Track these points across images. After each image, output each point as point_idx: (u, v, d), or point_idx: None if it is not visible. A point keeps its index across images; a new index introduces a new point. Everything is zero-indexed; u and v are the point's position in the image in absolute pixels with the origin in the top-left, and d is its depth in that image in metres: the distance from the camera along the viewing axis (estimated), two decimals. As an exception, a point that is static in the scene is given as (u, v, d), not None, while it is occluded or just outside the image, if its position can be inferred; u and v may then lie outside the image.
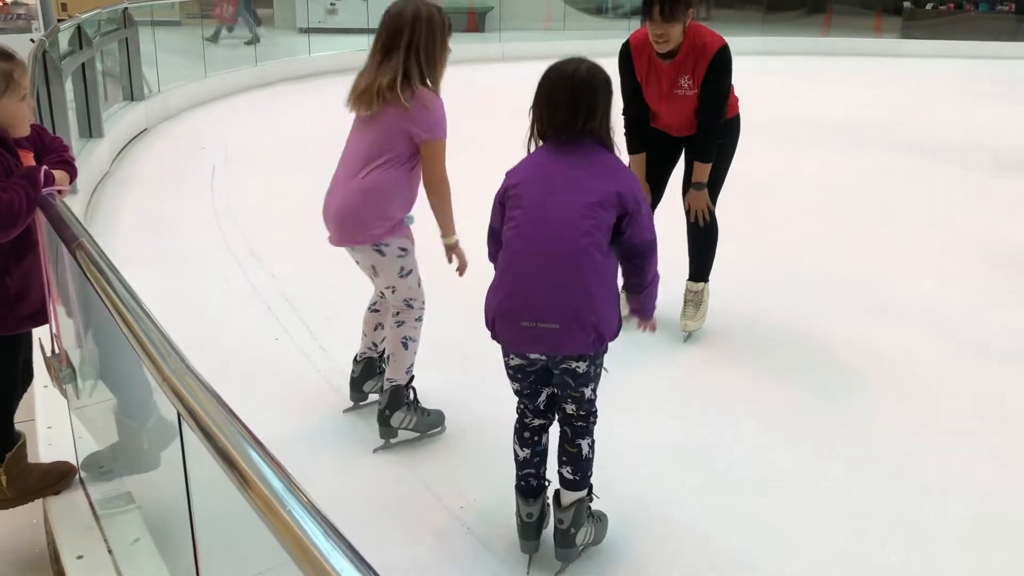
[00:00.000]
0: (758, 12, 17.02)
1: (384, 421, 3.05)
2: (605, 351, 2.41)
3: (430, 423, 3.13)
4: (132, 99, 8.44)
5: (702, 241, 4.00)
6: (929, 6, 17.79)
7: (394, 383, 3.04)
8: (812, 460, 3.10)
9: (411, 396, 3.08)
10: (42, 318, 2.41)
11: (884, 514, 2.80)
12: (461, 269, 3.04)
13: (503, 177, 2.44)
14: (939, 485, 2.97)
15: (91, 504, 2.50)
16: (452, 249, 3.00)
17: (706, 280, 4.07)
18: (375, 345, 3.27)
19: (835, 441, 3.22)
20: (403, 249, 2.93)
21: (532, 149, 2.43)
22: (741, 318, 4.24)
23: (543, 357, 2.34)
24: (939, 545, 2.66)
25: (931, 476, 3.02)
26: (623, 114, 3.79)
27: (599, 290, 2.28)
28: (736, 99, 3.83)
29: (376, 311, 3.25)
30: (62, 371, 2.35)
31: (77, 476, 2.58)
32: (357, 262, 3.04)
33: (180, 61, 10.37)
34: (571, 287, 2.25)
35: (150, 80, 8.93)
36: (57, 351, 2.41)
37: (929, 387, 3.63)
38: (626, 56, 3.77)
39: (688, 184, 3.84)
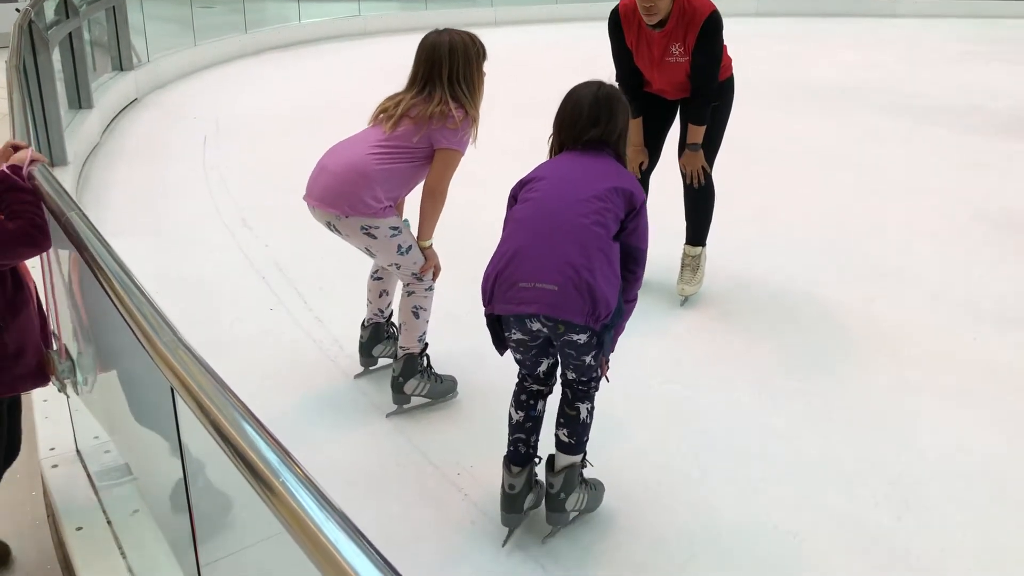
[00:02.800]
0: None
1: (398, 388, 3.07)
2: (612, 331, 2.38)
3: (443, 390, 3.16)
4: (121, 69, 8.36)
5: (699, 205, 3.99)
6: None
7: (407, 351, 3.07)
8: (807, 423, 3.12)
9: (425, 363, 3.12)
10: (42, 379, 2.30)
11: (878, 476, 2.82)
12: (428, 270, 3.04)
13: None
14: (933, 447, 2.99)
15: (89, 477, 2.51)
16: (427, 251, 3.03)
17: (703, 244, 4.07)
18: (381, 311, 3.30)
19: (830, 404, 3.23)
20: (394, 228, 2.92)
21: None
22: (737, 282, 4.25)
23: (544, 329, 2.32)
24: (933, 506, 2.69)
25: (925, 438, 3.04)
26: (616, 80, 3.76)
27: (600, 264, 2.28)
28: (730, 60, 3.80)
29: (379, 279, 3.27)
30: (61, 364, 2.30)
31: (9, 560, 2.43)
32: (347, 237, 2.96)
33: (169, 29, 10.26)
34: (572, 253, 2.26)
35: (139, 49, 8.84)
36: (56, 346, 2.37)
37: (924, 350, 3.65)
38: (615, 23, 3.74)
39: (683, 146, 3.82)
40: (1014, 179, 6.08)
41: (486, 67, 2.99)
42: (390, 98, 2.95)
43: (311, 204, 2.94)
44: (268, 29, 11.97)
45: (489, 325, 2.43)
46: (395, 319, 3.25)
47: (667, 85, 3.76)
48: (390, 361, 3.33)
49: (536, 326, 2.32)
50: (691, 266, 4.04)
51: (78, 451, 2.62)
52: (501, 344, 2.46)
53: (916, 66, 10.48)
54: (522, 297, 2.27)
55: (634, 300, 2.55)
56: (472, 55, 2.89)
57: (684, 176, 3.90)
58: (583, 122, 2.45)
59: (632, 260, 2.45)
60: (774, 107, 7.95)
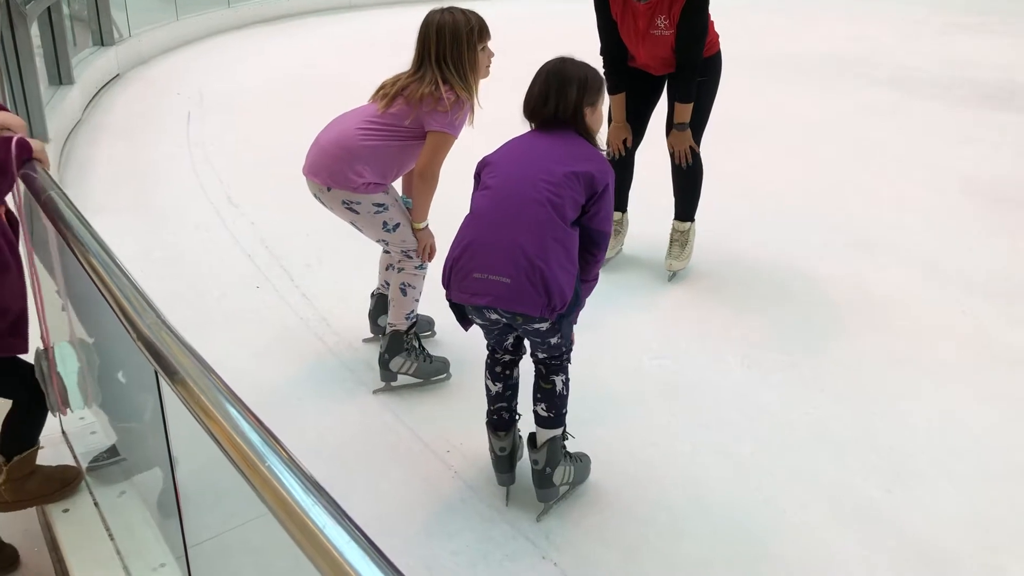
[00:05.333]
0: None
1: (384, 364, 3.07)
2: (571, 321, 2.39)
3: (432, 370, 3.13)
4: (102, 44, 8.24)
5: (687, 180, 3.97)
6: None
7: (394, 327, 3.06)
8: (796, 397, 3.12)
9: (414, 343, 3.09)
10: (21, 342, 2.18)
11: (867, 449, 2.83)
12: (424, 252, 3.01)
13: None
14: (922, 420, 3.00)
15: (75, 458, 2.49)
16: (419, 232, 2.99)
17: (692, 220, 4.05)
18: (387, 284, 3.29)
19: (819, 377, 3.24)
20: (378, 205, 2.89)
21: None
22: (726, 257, 4.23)
23: (502, 319, 2.32)
24: (921, 479, 2.70)
25: (914, 411, 3.04)
26: (600, 54, 3.72)
27: (556, 254, 2.24)
28: (716, 36, 3.76)
29: (387, 252, 3.26)
30: (46, 374, 2.24)
31: (83, 482, 2.42)
32: (332, 210, 2.97)
33: (151, 3, 10.11)
34: (527, 245, 2.22)
35: (120, 24, 8.71)
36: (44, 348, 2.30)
37: (913, 323, 3.65)
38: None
39: (671, 125, 3.79)
40: (1003, 152, 6.08)
41: (491, 46, 2.90)
42: (393, 76, 2.91)
43: (303, 174, 2.96)
44: (253, 3, 11.79)
45: (451, 307, 2.42)
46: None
47: (652, 59, 3.72)
48: None
49: (494, 316, 2.32)
50: (679, 241, 4.02)
51: (64, 432, 2.60)
52: (465, 322, 2.46)
53: (903, 39, 10.44)
54: (476, 288, 2.27)
55: (594, 280, 2.52)
56: (463, 36, 2.78)
57: (672, 156, 3.87)
58: (533, 100, 2.41)
59: (593, 243, 2.41)
60: (761, 81, 7.90)
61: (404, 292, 3.03)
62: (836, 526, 2.50)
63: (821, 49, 9.55)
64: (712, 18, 3.66)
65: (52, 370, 2.14)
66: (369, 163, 2.83)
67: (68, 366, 2.28)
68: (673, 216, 4.05)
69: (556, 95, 2.38)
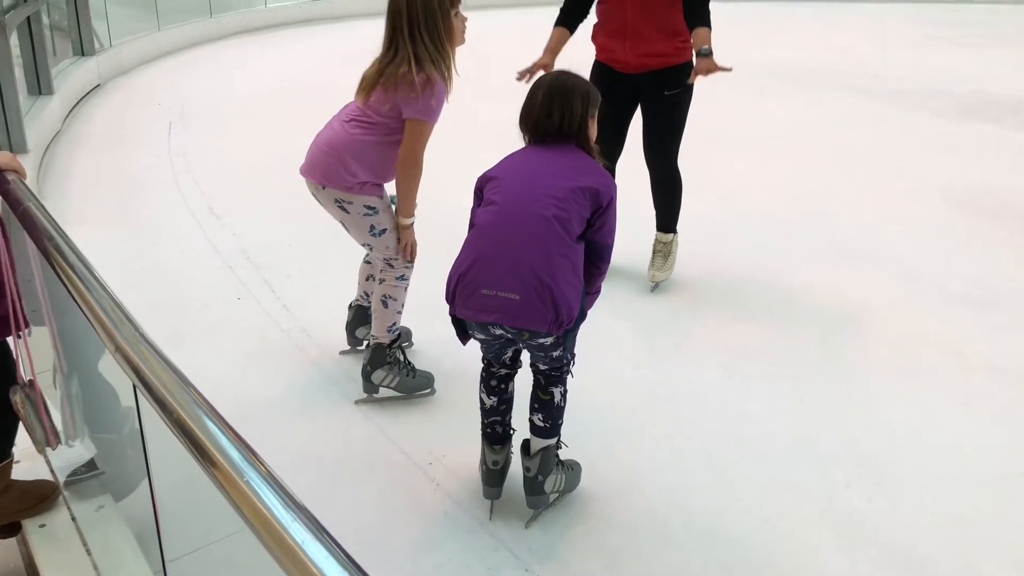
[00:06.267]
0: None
1: (366, 376, 3.04)
2: (574, 334, 2.40)
3: (415, 385, 3.10)
4: (83, 54, 8.20)
5: (666, 191, 3.98)
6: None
7: (376, 340, 3.03)
8: (778, 406, 3.13)
9: (398, 356, 3.06)
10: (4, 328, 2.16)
11: (850, 458, 2.85)
12: (407, 252, 2.98)
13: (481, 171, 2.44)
14: (903, 428, 3.01)
15: (52, 472, 2.46)
16: (404, 230, 2.94)
17: (674, 231, 4.07)
18: (366, 295, 3.28)
19: (801, 386, 3.25)
20: (369, 208, 2.88)
21: None
22: (708, 267, 4.25)
23: (507, 334, 2.31)
24: (904, 487, 2.71)
25: (896, 419, 3.06)
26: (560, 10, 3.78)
27: (563, 271, 2.25)
28: (691, 46, 3.77)
29: (368, 263, 3.25)
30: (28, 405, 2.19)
31: (61, 497, 2.37)
32: (326, 209, 2.99)
33: (132, 13, 10.06)
34: (535, 262, 2.22)
35: (101, 33, 8.66)
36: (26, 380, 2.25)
37: (894, 331, 3.68)
38: None
39: (648, 136, 3.79)
40: (980, 161, 6.15)
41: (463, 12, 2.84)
42: (371, 64, 2.84)
43: (301, 173, 2.96)
44: (234, 14, 11.77)
45: (453, 322, 2.41)
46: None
47: (638, 17, 3.63)
48: None
49: (498, 331, 2.31)
50: (662, 252, 4.04)
51: (46, 458, 2.56)
52: (465, 336, 2.44)
53: (881, 50, 10.55)
54: (483, 304, 2.26)
55: (596, 292, 2.54)
56: (434, 4, 2.71)
57: (653, 163, 3.87)
58: (537, 113, 2.39)
59: (597, 256, 2.42)
60: (741, 91, 7.95)
61: (385, 304, 3.02)
62: (818, 534, 2.51)
63: (799, 60, 9.64)
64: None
65: (39, 404, 2.11)
66: (359, 159, 2.81)
67: (56, 399, 2.26)
68: (655, 227, 4.06)
69: (560, 108, 2.37)
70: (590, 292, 2.48)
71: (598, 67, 3.80)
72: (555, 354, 2.40)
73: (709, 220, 4.73)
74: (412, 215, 2.93)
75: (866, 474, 2.77)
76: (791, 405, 3.14)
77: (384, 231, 2.93)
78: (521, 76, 3.60)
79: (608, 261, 2.48)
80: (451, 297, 2.33)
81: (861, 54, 10.22)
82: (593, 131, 2.45)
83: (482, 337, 2.39)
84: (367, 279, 3.26)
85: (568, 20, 3.80)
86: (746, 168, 5.89)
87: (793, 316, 3.80)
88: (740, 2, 14.28)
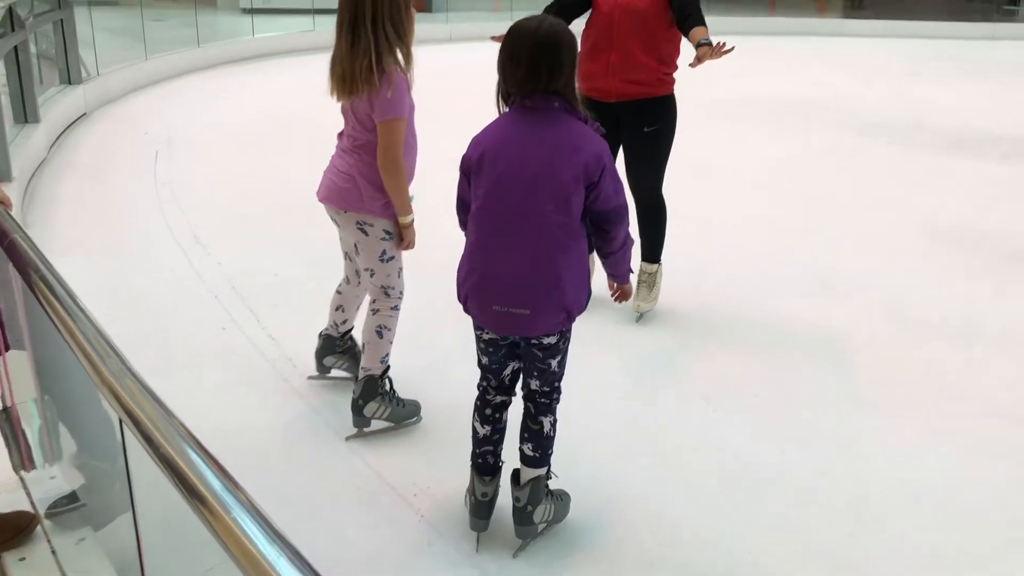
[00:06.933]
0: (704, -9, 17.11)
1: (357, 411, 3.02)
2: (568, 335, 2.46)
3: (405, 414, 3.10)
4: (69, 82, 8.21)
5: (650, 222, 4.01)
6: (870, -15, 18.10)
7: (368, 372, 3.01)
8: (760, 438, 3.14)
9: (387, 386, 3.06)
10: None
11: (831, 491, 2.85)
12: (405, 245, 2.98)
13: (467, 143, 2.40)
14: (883, 460, 3.03)
15: (32, 503, 2.44)
16: (406, 228, 2.93)
17: (658, 261, 4.09)
18: (335, 325, 3.28)
19: (784, 419, 3.27)
20: (387, 232, 2.90)
21: (501, 110, 2.37)
22: (692, 298, 4.28)
23: (517, 338, 2.41)
24: (885, 521, 2.72)
25: (875, 452, 3.08)
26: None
27: (568, 271, 2.30)
28: (673, 80, 3.82)
29: (339, 293, 3.25)
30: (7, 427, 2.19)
31: (41, 529, 2.34)
32: (341, 238, 3.08)
33: (119, 42, 10.10)
34: (541, 274, 2.28)
35: (88, 62, 8.68)
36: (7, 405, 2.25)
37: (876, 364, 3.70)
38: None
39: (632, 162, 3.82)
40: (961, 196, 6.23)
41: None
42: (334, 58, 2.79)
43: (320, 200, 3.00)
44: (221, 43, 11.84)
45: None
46: (358, 338, 3.21)
47: (623, 16, 3.65)
48: (344, 374, 3.33)
49: (509, 337, 2.42)
50: (647, 283, 4.06)
51: (21, 477, 2.54)
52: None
53: (865, 84, 10.71)
54: (497, 321, 2.35)
55: (622, 249, 2.45)
56: None
57: (636, 192, 3.90)
58: (522, 72, 2.25)
59: (605, 222, 2.35)
60: (726, 124, 8.06)
61: (380, 334, 3.02)
62: (800, 567, 2.51)
63: (783, 93, 9.76)
64: (681, 65, 3.72)
65: (17, 428, 2.09)
66: (373, 181, 2.83)
67: (32, 424, 2.24)
68: (640, 258, 4.09)
69: (548, 64, 2.23)
70: (613, 252, 2.44)
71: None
72: (552, 364, 2.44)
73: (693, 251, 4.77)
74: (410, 211, 2.91)
75: (848, 508, 2.77)
76: (773, 437, 3.15)
77: (392, 259, 2.95)
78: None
79: (617, 223, 2.38)
80: (462, 299, 2.42)
81: (843, 88, 10.37)
82: (575, 82, 2.33)
83: (489, 337, 2.44)
84: (336, 309, 3.26)
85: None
86: (729, 200, 5.95)
87: (776, 348, 3.82)
88: (727, 36, 14.48)
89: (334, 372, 3.36)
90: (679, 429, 3.20)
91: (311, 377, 3.41)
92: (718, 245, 5.05)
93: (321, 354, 3.34)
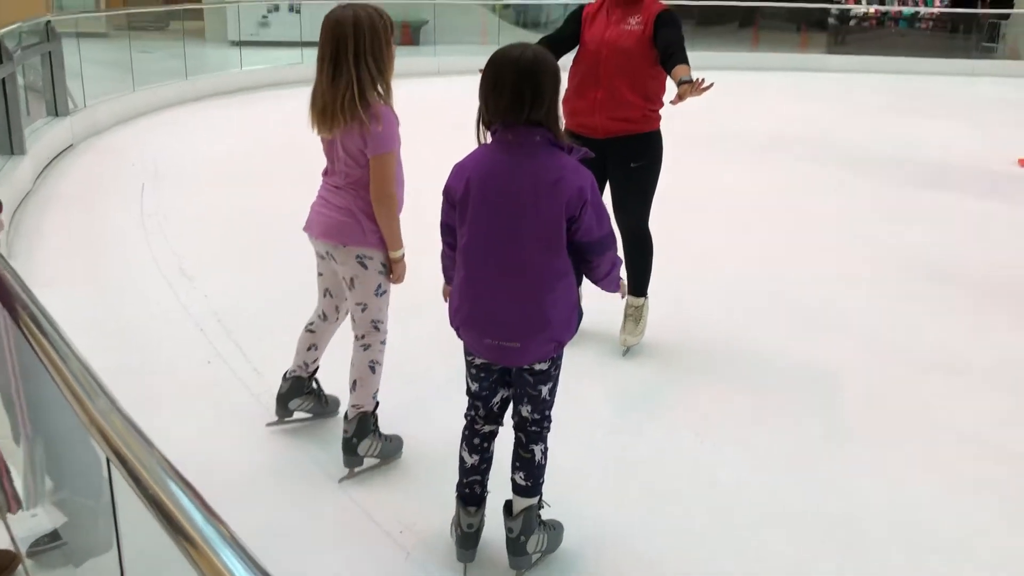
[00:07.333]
0: (688, 25, 17.31)
1: (351, 450, 2.97)
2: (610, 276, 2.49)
3: (392, 449, 3.09)
4: (56, 114, 8.20)
5: (637, 256, 4.03)
6: (852, 22, 18.36)
7: (361, 410, 2.98)
8: (747, 471, 3.15)
9: (374, 422, 3.04)
10: None
11: (818, 524, 2.86)
12: (395, 279, 2.98)
13: (450, 169, 2.42)
14: (871, 494, 3.04)
15: (14, 541, 2.41)
16: (396, 262, 2.94)
17: (645, 295, 4.11)
18: (306, 365, 3.23)
19: (770, 452, 3.27)
20: (384, 266, 2.91)
21: (482, 140, 2.37)
22: (677, 332, 4.29)
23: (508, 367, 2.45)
24: (872, 554, 2.72)
25: (863, 485, 3.09)
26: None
27: (556, 307, 2.34)
28: (659, 117, 3.86)
29: (312, 332, 3.21)
30: None
31: (22, 567, 2.32)
32: (322, 275, 3.06)
33: (107, 74, 10.12)
34: (530, 310, 2.31)
35: (75, 94, 8.68)
36: None
37: (862, 398, 3.72)
38: (577, 11, 3.84)
39: (619, 199, 3.86)
40: (942, 229, 6.30)
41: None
42: (315, 92, 2.81)
43: (317, 237, 2.97)
44: (209, 75, 11.88)
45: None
46: (348, 376, 3.15)
47: (610, 54, 3.68)
48: (306, 416, 3.30)
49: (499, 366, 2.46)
50: (633, 316, 4.08)
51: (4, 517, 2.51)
52: None
53: (846, 119, 10.84)
54: (490, 354, 2.40)
55: (608, 277, 2.45)
56: (380, 28, 2.73)
57: (622, 227, 3.92)
58: (505, 100, 2.23)
59: (588, 253, 2.36)
60: (709, 158, 8.13)
61: (373, 370, 3.01)
62: (790, 604, 2.51)
63: (767, 127, 9.87)
64: (665, 101, 3.76)
65: (2, 469, 2.07)
66: (369, 213, 2.84)
67: (17, 464, 2.22)
68: (627, 292, 4.11)
69: (531, 96, 2.22)
70: (599, 280, 2.45)
71: (566, 135, 3.86)
72: (543, 391, 2.45)
73: (679, 285, 4.79)
74: (402, 245, 2.91)
75: (834, 541, 2.78)
76: (761, 471, 3.15)
77: (384, 292, 2.96)
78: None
79: (599, 254, 2.38)
80: (457, 333, 2.47)
81: (825, 122, 10.49)
82: (558, 110, 2.33)
83: (481, 362, 2.46)
84: (308, 348, 3.20)
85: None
86: (713, 234, 5.99)
87: (762, 382, 3.84)
88: (711, 71, 14.65)
89: (297, 414, 3.29)
90: (668, 463, 3.20)
91: (269, 424, 3.30)
92: (704, 279, 5.08)
93: (288, 397, 3.23)
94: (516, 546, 2.48)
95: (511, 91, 2.22)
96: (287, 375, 3.25)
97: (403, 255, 2.94)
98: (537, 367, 2.41)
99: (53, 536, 2.38)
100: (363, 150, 2.79)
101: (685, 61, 3.57)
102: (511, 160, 2.29)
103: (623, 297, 2.67)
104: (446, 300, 2.59)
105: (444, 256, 2.57)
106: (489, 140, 2.36)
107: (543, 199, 2.26)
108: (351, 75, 2.70)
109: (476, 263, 2.36)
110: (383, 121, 2.75)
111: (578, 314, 2.45)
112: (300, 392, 3.24)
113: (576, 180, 2.28)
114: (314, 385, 3.28)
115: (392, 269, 2.94)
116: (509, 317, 2.32)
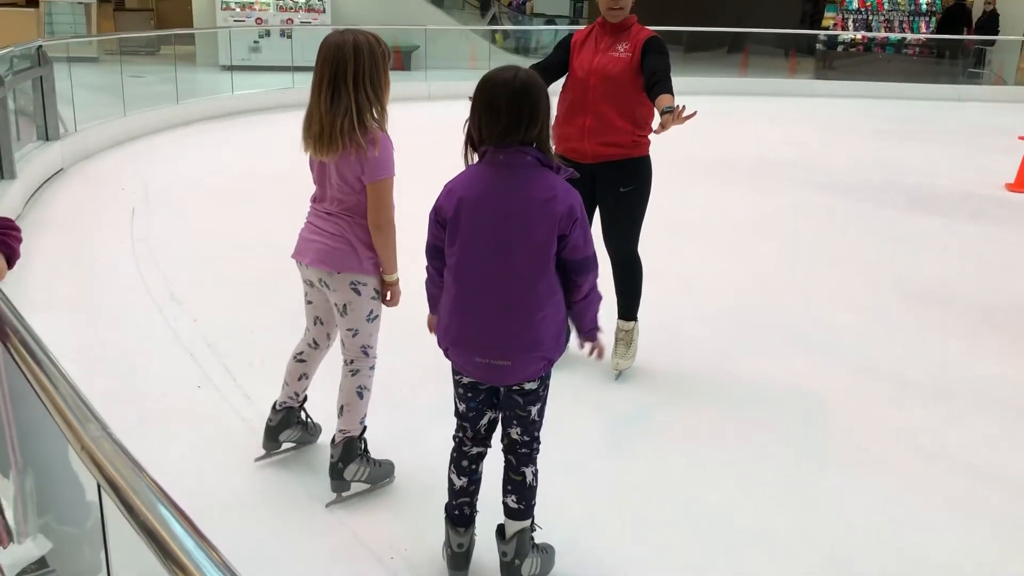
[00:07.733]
0: (677, 51, 17.47)
1: (337, 475, 2.96)
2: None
3: (382, 474, 3.07)
4: (47, 138, 8.21)
5: (627, 280, 4.04)
6: (840, 48, 18.56)
7: (348, 435, 2.96)
8: (739, 496, 3.14)
9: (363, 447, 3.03)
10: None
11: (809, 549, 2.85)
12: (391, 303, 2.98)
13: (440, 189, 2.43)
14: (860, 517, 3.03)
15: (1, 571, 2.37)
16: (391, 286, 2.94)
17: (635, 319, 4.12)
18: (296, 395, 3.20)
19: (762, 476, 3.27)
20: (377, 291, 2.91)
21: (470, 160, 2.38)
22: (668, 355, 4.30)
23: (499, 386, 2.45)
24: (864, 579, 2.72)
25: (852, 509, 3.09)
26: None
27: (545, 326, 2.35)
28: (648, 142, 3.89)
29: (302, 361, 3.18)
30: None
31: None
32: (313, 303, 3.04)
33: (98, 99, 10.14)
34: (519, 331, 2.32)
35: (66, 118, 8.69)
36: None
37: (851, 421, 3.73)
38: (567, 39, 3.89)
39: (608, 223, 3.87)
40: (930, 252, 6.34)
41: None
42: (311, 115, 2.79)
43: (304, 263, 2.95)
44: (200, 100, 11.91)
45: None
46: (336, 401, 3.14)
47: (598, 81, 3.71)
48: (291, 446, 3.28)
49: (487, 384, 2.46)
50: (624, 340, 4.08)
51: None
52: None
53: (833, 143, 10.94)
54: (480, 373, 2.40)
55: (587, 299, 2.44)
56: (378, 54, 2.74)
57: (612, 251, 3.94)
58: (502, 123, 2.26)
59: (573, 272, 2.37)
60: (699, 182, 8.18)
61: (361, 395, 3.00)
62: (783, 629, 2.50)
63: (755, 152, 9.94)
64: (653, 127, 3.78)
65: None
66: (365, 241, 2.84)
67: (8, 497, 2.19)
68: (617, 315, 4.12)
69: (528, 118, 2.25)
70: (576, 302, 2.43)
71: (556, 158, 3.88)
72: (532, 412, 2.45)
73: (669, 308, 4.80)
74: (396, 269, 2.92)
75: (826, 566, 2.77)
76: (752, 495, 3.15)
77: (376, 318, 2.95)
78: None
79: (584, 272, 2.39)
80: (445, 354, 2.46)
81: (814, 147, 10.58)
82: (549, 130, 2.36)
83: (468, 381, 2.47)
84: (299, 378, 3.17)
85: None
86: (703, 258, 6.02)
87: (753, 406, 3.84)
88: (700, 96, 14.77)
89: (284, 446, 3.27)
90: (658, 487, 3.19)
91: (258, 459, 3.24)
92: (694, 302, 5.10)
93: (279, 429, 3.18)
94: (511, 570, 2.48)
95: (507, 112, 2.25)
96: (277, 406, 3.20)
97: (398, 279, 2.94)
98: (527, 387, 2.42)
99: (40, 563, 2.35)
100: (359, 176, 2.78)
101: (669, 90, 3.59)
102: (502, 180, 2.31)
103: (599, 358, 2.64)
104: (431, 331, 2.59)
105: (429, 281, 2.55)
106: (476, 161, 2.38)
107: (535, 218, 2.29)
108: (349, 99, 2.71)
109: (466, 283, 2.37)
110: (380, 147, 2.76)
111: (567, 333, 2.46)
112: (291, 423, 3.21)
113: (567, 199, 2.31)
114: (303, 415, 3.26)
115: (388, 293, 2.95)
116: (499, 335, 2.33)
